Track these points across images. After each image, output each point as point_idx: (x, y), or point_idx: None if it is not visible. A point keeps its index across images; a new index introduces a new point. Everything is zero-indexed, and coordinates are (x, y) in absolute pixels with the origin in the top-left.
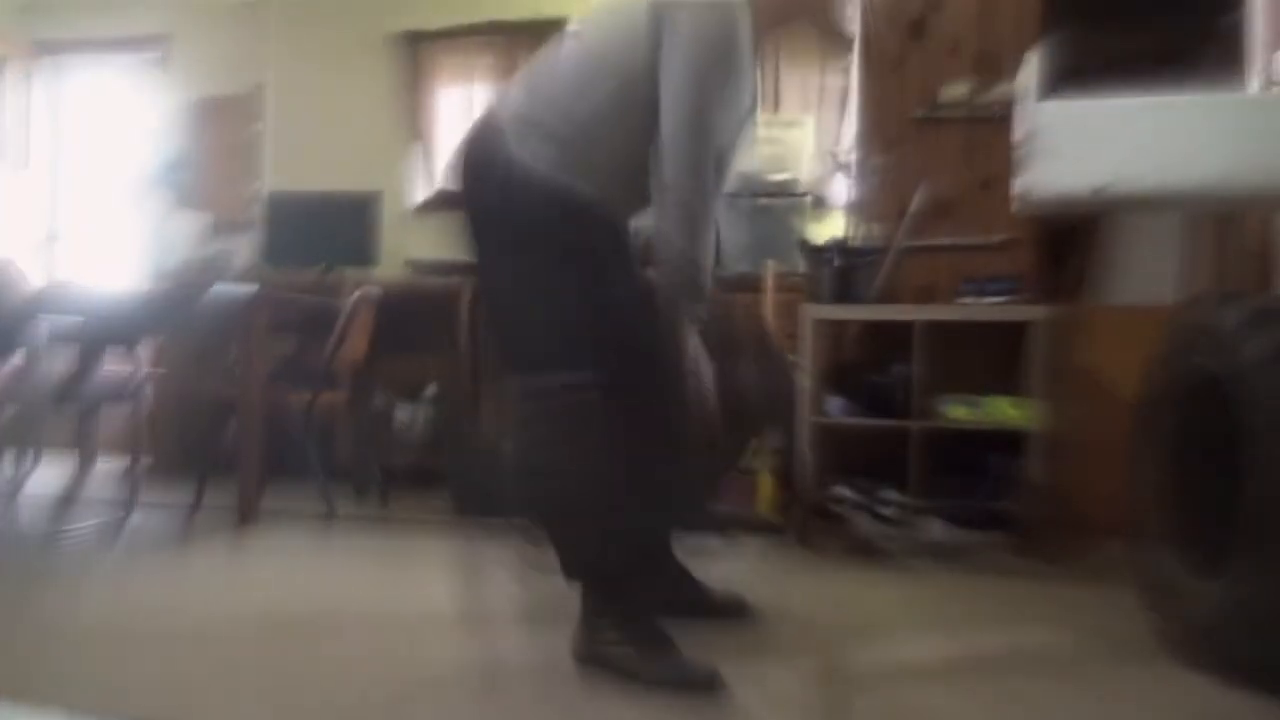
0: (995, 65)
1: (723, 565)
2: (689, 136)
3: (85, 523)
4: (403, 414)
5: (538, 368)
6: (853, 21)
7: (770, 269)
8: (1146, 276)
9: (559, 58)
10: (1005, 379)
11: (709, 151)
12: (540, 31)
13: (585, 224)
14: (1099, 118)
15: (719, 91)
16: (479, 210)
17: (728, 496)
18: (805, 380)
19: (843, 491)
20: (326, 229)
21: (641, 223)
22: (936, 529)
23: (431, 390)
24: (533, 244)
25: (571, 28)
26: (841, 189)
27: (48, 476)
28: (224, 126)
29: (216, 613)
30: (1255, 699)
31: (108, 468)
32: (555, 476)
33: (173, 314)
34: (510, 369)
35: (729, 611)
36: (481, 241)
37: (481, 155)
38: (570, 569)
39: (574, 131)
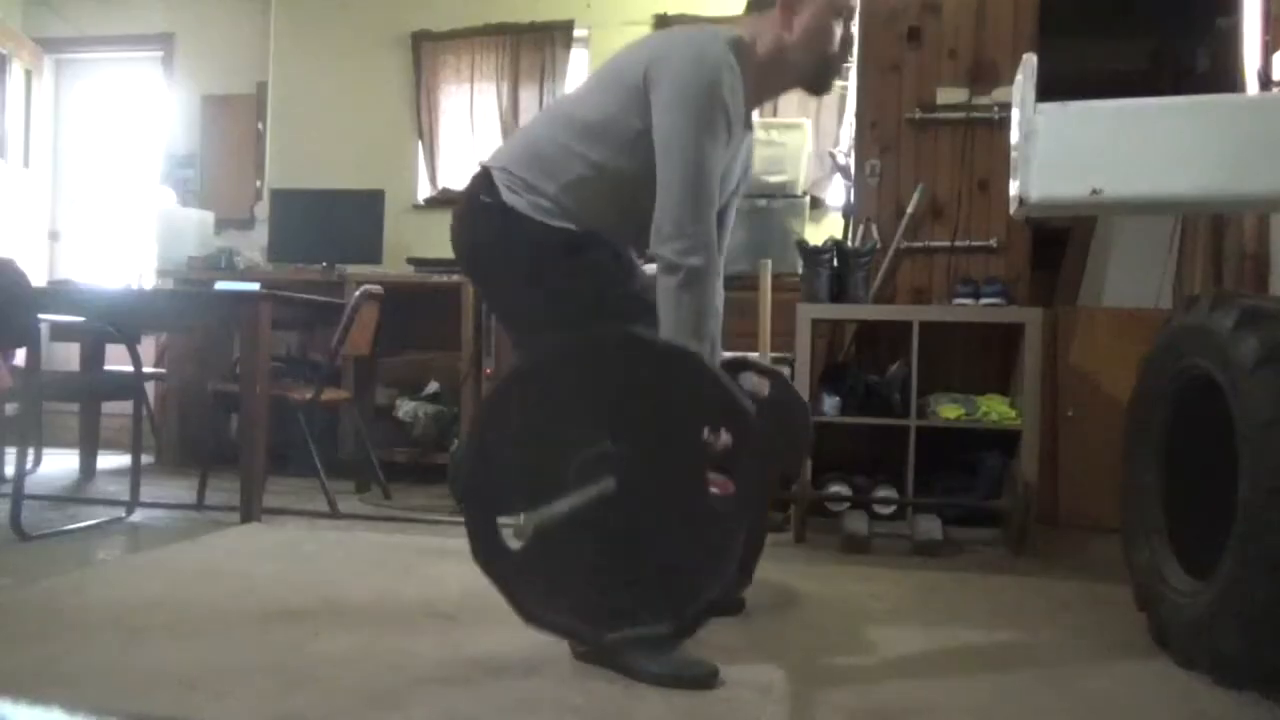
0: (991, 69)
1: None
2: (684, 187)
3: (88, 520)
4: (405, 410)
5: None
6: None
7: (767, 269)
8: (1139, 279)
9: (553, 117)
10: (999, 379)
11: (706, 199)
12: (542, 33)
13: (585, 249)
14: (1095, 121)
15: (711, 143)
16: (482, 255)
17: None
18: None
19: (838, 489)
20: (330, 226)
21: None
22: (931, 526)
23: (433, 387)
24: (539, 278)
25: (572, 89)
26: (838, 190)
27: (51, 473)
28: (229, 124)
29: (218, 608)
30: (1247, 697)
31: (110, 464)
32: None
33: (176, 311)
34: None
35: (726, 608)
36: (491, 284)
37: (477, 204)
38: None
39: (558, 192)
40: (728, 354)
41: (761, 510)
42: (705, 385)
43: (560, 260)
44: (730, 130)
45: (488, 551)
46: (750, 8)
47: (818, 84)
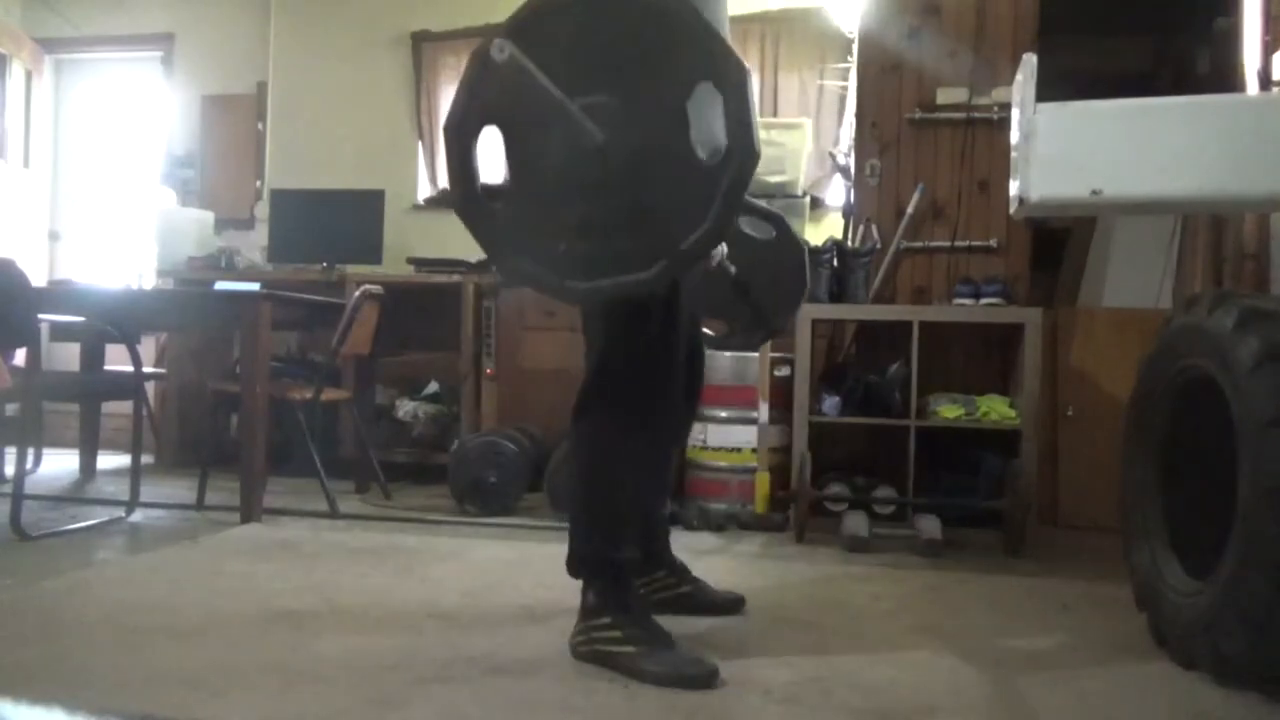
0: (991, 69)
1: (721, 562)
2: None
3: (88, 520)
4: (405, 410)
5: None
6: (851, 23)
7: None
8: (1139, 279)
9: None
10: (999, 379)
11: None
12: None
13: None
14: (1095, 121)
15: None
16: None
17: (727, 494)
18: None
19: (838, 489)
20: (330, 226)
21: None
22: (931, 526)
23: (433, 387)
24: None
25: None
26: (838, 190)
27: (51, 473)
28: (229, 124)
29: (218, 609)
30: (1247, 697)
31: (110, 464)
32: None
33: (176, 311)
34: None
35: (727, 608)
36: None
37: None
38: (575, 566)
39: None
40: None
41: (751, 155)
42: (690, 34)
43: None
44: None
45: (466, 196)
46: None
47: None
